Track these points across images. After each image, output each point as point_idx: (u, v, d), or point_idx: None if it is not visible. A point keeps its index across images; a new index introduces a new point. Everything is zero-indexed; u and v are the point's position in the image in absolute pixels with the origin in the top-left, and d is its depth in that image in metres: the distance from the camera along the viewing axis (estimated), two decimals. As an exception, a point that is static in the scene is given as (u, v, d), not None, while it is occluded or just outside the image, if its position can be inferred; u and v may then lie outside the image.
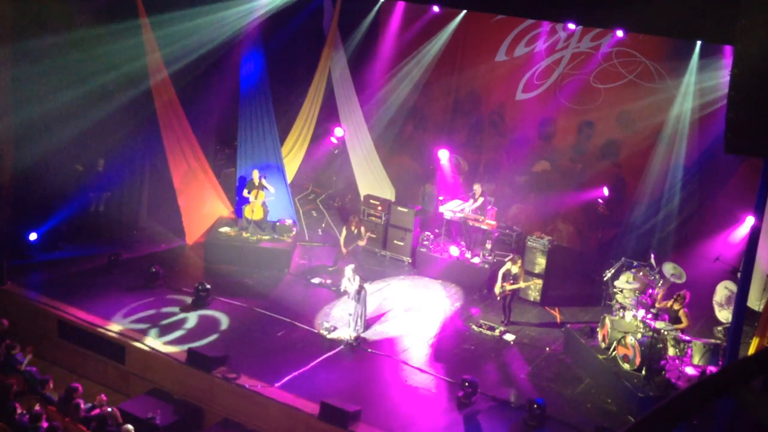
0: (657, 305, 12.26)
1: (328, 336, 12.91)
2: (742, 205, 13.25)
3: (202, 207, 16.31)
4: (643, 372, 11.52)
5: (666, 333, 11.73)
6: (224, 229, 15.94)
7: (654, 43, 15.68)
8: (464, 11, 17.06)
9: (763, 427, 2.46)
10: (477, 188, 15.70)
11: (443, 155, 17.13)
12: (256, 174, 15.73)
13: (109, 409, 10.09)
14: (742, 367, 2.51)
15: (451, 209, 15.85)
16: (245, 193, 15.81)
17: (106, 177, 16.18)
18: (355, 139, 18.04)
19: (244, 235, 15.75)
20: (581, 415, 11.51)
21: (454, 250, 15.52)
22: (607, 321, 12.39)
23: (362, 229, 15.09)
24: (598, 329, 12.68)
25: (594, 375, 12.35)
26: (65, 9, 14.19)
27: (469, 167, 17.94)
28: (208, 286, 13.86)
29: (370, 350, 12.78)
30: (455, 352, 13.06)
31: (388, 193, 17.77)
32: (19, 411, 9.64)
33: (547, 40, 17.04)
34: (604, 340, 12.43)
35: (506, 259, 14.53)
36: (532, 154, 17.44)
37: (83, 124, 14.91)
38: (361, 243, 14.90)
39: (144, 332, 12.69)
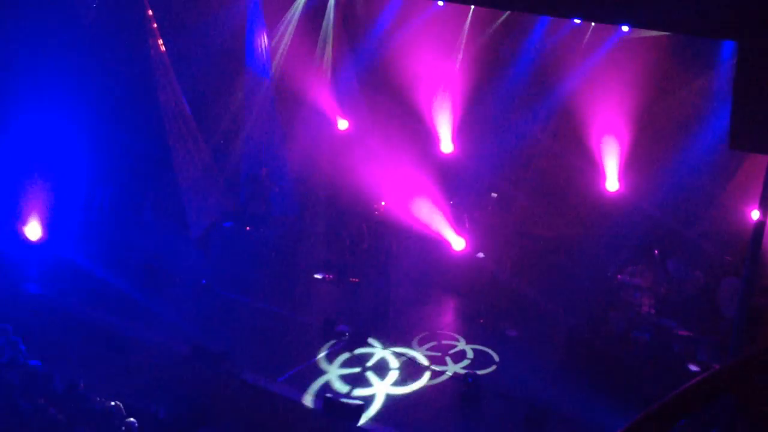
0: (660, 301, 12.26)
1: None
2: (747, 201, 13.21)
3: (207, 202, 16.32)
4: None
5: (670, 329, 11.72)
6: (228, 224, 15.97)
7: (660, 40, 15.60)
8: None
9: (766, 424, 2.46)
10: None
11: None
12: (262, 171, 15.81)
13: (113, 403, 10.12)
14: (745, 364, 2.51)
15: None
16: (248, 188, 15.84)
17: (110, 173, 16.19)
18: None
19: (248, 229, 15.77)
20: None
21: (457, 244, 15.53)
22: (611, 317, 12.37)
23: (364, 227, 15.10)
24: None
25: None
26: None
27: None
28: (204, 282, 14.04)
29: (373, 345, 12.82)
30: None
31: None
32: (23, 405, 9.67)
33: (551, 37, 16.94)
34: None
35: None
36: (536, 149, 17.37)
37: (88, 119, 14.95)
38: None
39: (146, 327, 12.77)
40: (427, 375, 12.04)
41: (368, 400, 11.13)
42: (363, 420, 10.74)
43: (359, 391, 11.40)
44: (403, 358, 12.39)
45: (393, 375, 11.96)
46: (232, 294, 14.22)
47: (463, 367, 12.27)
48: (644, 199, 15.68)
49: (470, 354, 12.81)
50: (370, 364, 12.24)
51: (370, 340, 12.84)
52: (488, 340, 13.28)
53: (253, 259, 15.41)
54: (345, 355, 12.37)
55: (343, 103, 17.88)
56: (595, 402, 11.65)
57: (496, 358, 12.78)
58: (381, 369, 12.09)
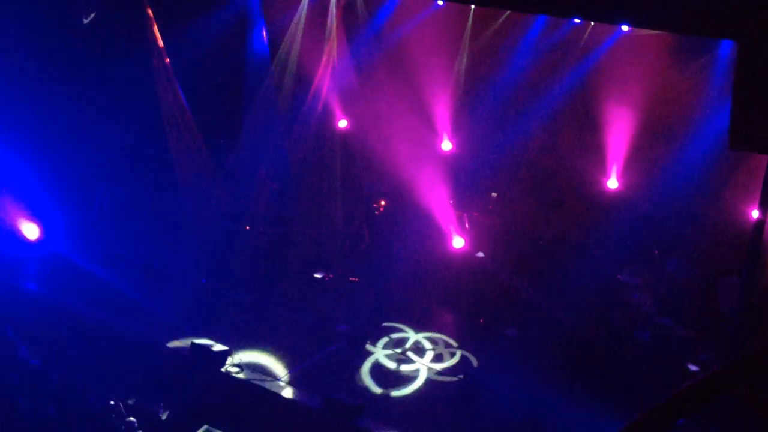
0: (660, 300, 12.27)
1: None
2: (747, 201, 13.20)
3: (207, 201, 16.31)
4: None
5: (670, 328, 11.74)
6: (228, 224, 15.96)
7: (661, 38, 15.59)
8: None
9: (766, 424, 2.46)
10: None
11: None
12: (262, 170, 15.82)
13: (112, 403, 10.13)
14: (745, 364, 2.50)
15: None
16: (248, 187, 15.86)
17: (109, 173, 16.17)
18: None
19: (248, 229, 15.77)
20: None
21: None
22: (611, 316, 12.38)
23: (364, 226, 15.11)
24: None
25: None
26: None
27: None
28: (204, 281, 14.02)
29: (372, 343, 12.83)
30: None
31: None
32: (22, 405, 9.68)
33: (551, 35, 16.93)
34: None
35: None
36: (536, 148, 17.36)
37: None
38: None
39: (146, 326, 12.78)
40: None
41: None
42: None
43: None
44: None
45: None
46: (232, 293, 14.22)
47: (461, 367, 12.30)
48: (644, 199, 15.67)
49: (467, 354, 12.84)
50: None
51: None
52: (488, 340, 13.28)
53: (253, 259, 15.40)
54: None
55: (343, 101, 17.87)
56: (595, 402, 11.66)
57: (494, 358, 12.79)
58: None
